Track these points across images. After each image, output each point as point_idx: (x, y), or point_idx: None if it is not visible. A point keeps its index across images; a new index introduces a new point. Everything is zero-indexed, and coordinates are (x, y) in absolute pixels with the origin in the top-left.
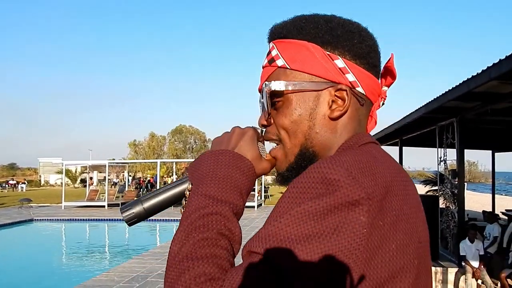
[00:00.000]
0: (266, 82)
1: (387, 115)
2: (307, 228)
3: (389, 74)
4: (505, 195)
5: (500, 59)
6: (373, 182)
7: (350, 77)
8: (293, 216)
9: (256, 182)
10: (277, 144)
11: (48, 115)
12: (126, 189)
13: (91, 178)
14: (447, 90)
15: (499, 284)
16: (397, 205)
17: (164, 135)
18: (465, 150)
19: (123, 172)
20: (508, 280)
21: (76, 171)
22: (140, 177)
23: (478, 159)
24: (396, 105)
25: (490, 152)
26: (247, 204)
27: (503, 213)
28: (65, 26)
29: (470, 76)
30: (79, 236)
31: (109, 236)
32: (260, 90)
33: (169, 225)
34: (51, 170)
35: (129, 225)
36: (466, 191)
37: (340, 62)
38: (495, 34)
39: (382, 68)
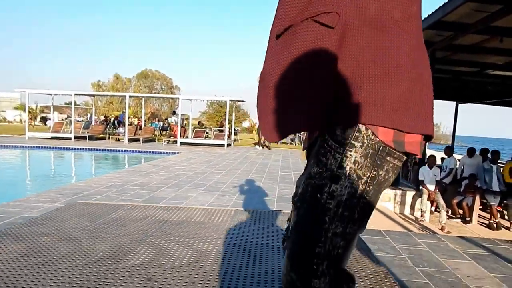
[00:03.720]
0: None
1: None
2: None
3: None
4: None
5: None
6: None
7: None
8: None
9: (226, 125)
10: None
11: (5, 55)
12: (93, 124)
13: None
14: (422, 18)
15: (450, 211)
16: None
17: (129, 77)
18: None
19: (86, 114)
20: (460, 210)
21: (37, 108)
22: (106, 116)
23: (441, 121)
24: None
25: (454, 103)
26: (218, 142)
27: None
28: None
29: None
30: (46, 162)
31: (76, 164)
32: None
33: (138, 156)
34: (9, 105)
35: None
36: (427, 150)
37: None
38: None
39: None
